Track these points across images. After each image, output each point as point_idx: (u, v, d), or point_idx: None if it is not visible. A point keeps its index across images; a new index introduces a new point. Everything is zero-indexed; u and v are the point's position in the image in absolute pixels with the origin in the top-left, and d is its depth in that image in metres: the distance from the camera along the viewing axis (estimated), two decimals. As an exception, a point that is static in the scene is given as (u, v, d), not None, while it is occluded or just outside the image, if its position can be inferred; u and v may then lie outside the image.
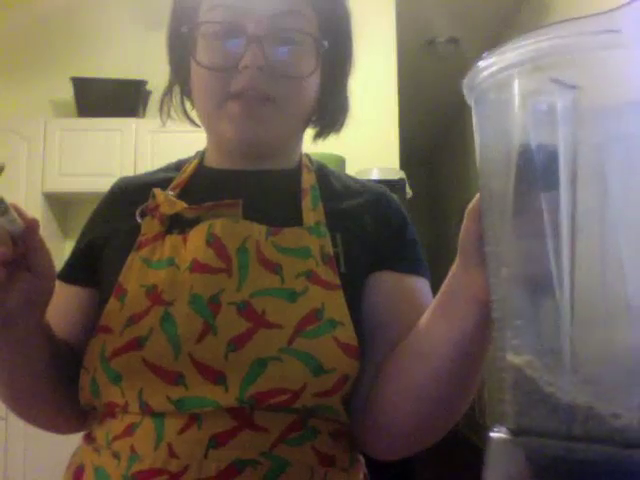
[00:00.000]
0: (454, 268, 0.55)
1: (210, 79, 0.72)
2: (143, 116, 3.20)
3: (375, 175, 2.84)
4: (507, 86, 0.37)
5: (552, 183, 0.35)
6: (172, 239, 0.70)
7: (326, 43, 0.73)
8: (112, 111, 3.07)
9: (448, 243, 5.49)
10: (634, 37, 0.33)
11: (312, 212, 0.73)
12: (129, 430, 0.64)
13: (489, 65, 0.38)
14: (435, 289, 0.69)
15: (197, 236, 0.69)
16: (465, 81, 0.41)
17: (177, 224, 0.71)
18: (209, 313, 0.64)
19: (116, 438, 0.64)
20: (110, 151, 3.01)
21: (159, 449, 0.61)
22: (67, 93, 3.18)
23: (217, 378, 0.62)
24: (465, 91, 0.42)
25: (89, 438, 0.70)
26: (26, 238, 0.58)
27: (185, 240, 0.69)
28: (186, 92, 0.80)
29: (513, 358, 0.39)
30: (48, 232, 3.03)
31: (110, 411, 0.66)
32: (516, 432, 0.38)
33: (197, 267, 0.66)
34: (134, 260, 0.69)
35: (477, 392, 0.62)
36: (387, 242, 0.74)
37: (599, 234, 0.36)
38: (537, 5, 3.46)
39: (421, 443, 0.68)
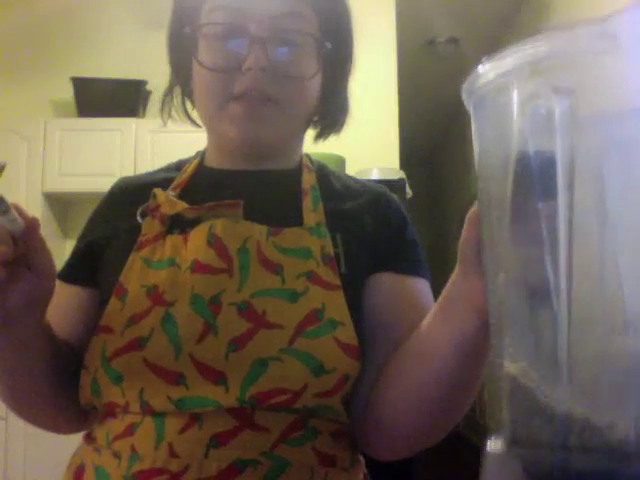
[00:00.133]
0: (454, 274, 0.55)
1: (212, 80, 0.72)
2: (143, 116, 3.20)
3: (375, 175, 2.83)
4: (505, 91, 0.37)
5: (549, 189, 0.35)
6: (173, 239, 0.70)
7: (328, 44, 0.73)
8: (112, 111, 3.07)
9: (448, 243, 5.49)
10: (630, 43, 0.33)
11: (312, 212, 0.73)
12: (130, 430, 0.64)
13: (488, 70, 0.38)
14: (435, 289, 0.69)
15: (198, 236, 0.69)
16: (464, 86, 0.41)
17: (178, 224, 0.71)
18: (210, 313, 0.64)
19: (117, 438, 0.64)
20: (110, 151, 3.01)
21: (160, 449, 0.61)
22: (67, 93, 3.18)
23: (218, 378, 0.62)
24: (464, 96, 0.42)
25: (89, 438, 0.70)
26: (27, 238, 0.58)
27: (186, 240, 0.69)
28: (187, 93, 0.80)
29: (509, 366, 0.39)
30: (48, 232, 3.03)
31: (111, 411, 0.66)
32: (512, 442, 0.38)
33: (198, 267, 0.66)
34: (135, 260, 0.69)
35: (477, 393, 0.62)
36: (387, 242, 0.74)
37: (597, 240, 0.35)
38: (537, 5, 3.46)
39: (422, 444, 0.68)
